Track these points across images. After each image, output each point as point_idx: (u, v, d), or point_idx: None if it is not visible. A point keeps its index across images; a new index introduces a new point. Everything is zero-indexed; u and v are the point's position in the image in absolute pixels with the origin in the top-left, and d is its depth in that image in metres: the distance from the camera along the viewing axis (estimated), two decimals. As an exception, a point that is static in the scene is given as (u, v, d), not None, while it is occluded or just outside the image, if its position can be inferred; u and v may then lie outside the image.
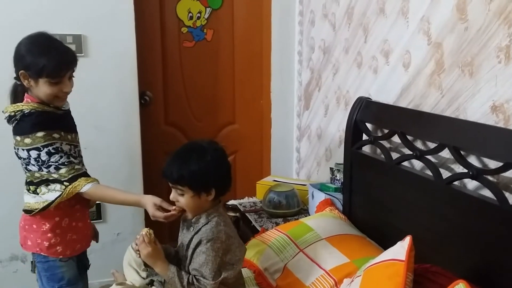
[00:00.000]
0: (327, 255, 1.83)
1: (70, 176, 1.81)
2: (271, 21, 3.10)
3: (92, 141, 2.73)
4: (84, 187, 1.82)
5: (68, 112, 1.96)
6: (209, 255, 1.55)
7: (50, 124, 1.81)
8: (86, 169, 1.94)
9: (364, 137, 2.17)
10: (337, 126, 2.59)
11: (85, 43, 2.66)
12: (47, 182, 1.81)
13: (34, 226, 1.91)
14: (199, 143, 1.67)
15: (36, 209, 1.84)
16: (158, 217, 1.74)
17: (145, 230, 1.62)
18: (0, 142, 2.19)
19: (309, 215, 2.42)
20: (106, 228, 2.86)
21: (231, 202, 2.74)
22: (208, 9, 3.07)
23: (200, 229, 1.60)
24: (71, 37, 2.60)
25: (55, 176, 1.80)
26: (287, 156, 3.22)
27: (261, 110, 3.28)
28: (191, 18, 3.06)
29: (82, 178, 1.83)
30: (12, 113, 1.80)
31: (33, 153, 1.77)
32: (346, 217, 2.20)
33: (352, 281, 1.57)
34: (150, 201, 1.78)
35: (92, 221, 2.80)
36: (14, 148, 1.83)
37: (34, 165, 1.80)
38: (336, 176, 2.43)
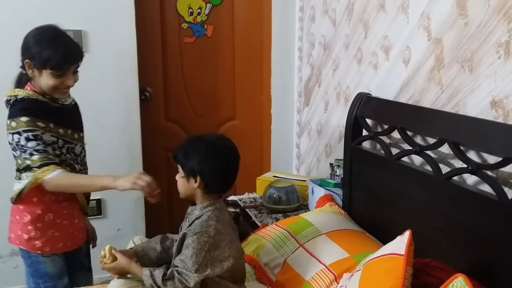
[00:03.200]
0: (327, 250, 1.84)
1: (40, 163, 1.79)
2: (271, 17, 3.10)
3: (93, 137, 2.73)
4: (51, 173, 1.79)
5: (67, 106, 1.95)
6: (195, 248, 1.56)
7: (37, 112, 1.81)
8: (74, 165, 1.93)
9: (364, 132, 2.17)
10: (337, 122, 2.60)
11: (86, 39, 2.67)
12: (25, 169, 1.81)
13: (17, 217, 1.91)
14: (210, 134, 1.72)
15: (13, 197, 1.87)
16: (140, 185, 1.75)
17: (102, 252, 1.67)
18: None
19: (309, 210, 2.43)
20: (106, 224, 2.89)
21: (231, 198, 2.75)
22: (208, 5, 3.07)
23: (193, 221, 1.62)
24: (72, 32, 2.58)
25: (28, 162, 1.80)
26: (287, 152, 3.23)
27: (261, 106, 3.28)
28: (191, 14, 3.06)
29: (53, 165, 1.81)
30: (8, 97, 1.84)
31: (15, 137, 1.78)
32: (346, 213, 2.20)
33: (352, 275, 1.58)
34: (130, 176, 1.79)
35: (92, 217, 2.83)
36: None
37: (16, 150, 1.81)
38: (336, 172, 2.43)
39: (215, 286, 1.64)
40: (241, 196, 2.77)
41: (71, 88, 1.93)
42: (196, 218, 1.62)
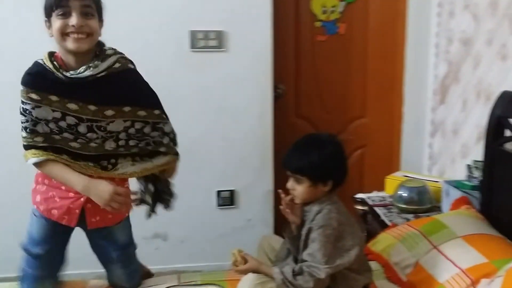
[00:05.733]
0: (463, 254, 1.77)
1: (25, 143, 1.72)
2: (407, 13, 3.03)
3: (229, 131, 2.91)
4: (31, 159, 1.71)
5: (85, 79, 1.67)
6: (321, 241, 1.60)
7: (34, 82, 1.67)
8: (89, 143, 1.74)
9: (508, 133, 2.05)
10: (475, 121, 2.48)
11: (226, 39, 2.82)
12: None
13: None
14: (319, 135, 1.77)
15: None
16: (113, 208, 1.69)
17: (233, 257, 1.75)
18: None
19: (442, 212, 2.35)
20: (237, 214, 3.04)
21: (359, 195, 2.74)
22: (342, 3, 3.08)
23: (314, 217, 1.66)
24: (214, 33, 2.78)
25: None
26: (418, 151, 3.14)
27: (392, 104, 3.23)
28: (325, 12, 3.09)
29: (32, 150, 1.71)
30: None
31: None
32: (484, 217, 2.10)
33: (492, 281, 1.52)
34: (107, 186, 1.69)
35: (224, 207, 2.97)
36: None
37: None
38: (473, 174, 2.32)
39: (344, 280, 1.67)
40: (370, 194, 2.75)
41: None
42: (317, 213, 1.66)
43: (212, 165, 2.95)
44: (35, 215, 1.84)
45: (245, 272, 1.73)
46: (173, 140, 1.94)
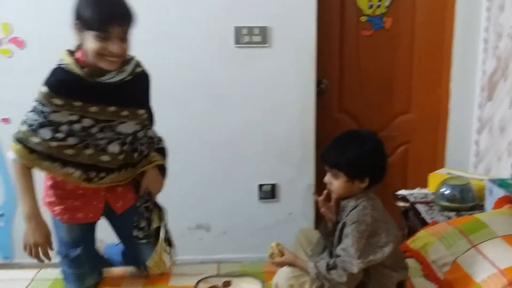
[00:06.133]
0: (502, 254, 1.75)
1: (15, 136, 1.73)
2: (455, 7, 2.97)
3: (271, 126, 2.95)
4: (11, 154, 1.73)
5: (113, 84, 1.73)
6: (354, 236, 1.61)
7: (61, 88, 1.68)
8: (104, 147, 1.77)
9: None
10: (523, 119, 2.41)
11: (270, 35, 2.84)
12: None
13: (44, 179, 1.87)
14: (359, 132, 1.78)
15: None
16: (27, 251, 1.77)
17: (270, 250, 1.79)
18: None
19: (485, 211, 2.31)
20: (279, 207, 3.08)
21: (401, 192, 2.72)
22: (389, -3, 3.06)
23: (349, 213, 1.68)
24: (258, 29, 2.82)
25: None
26: (463, 148, 3.07)
27: (438, 99, 3.17)
28: (371, 7, 3.07)
29: (20, 146, 1.71)
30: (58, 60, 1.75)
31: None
32: (528, 218, 2.05)
33: (529, 282, 1.50)
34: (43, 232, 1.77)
35: (265, 200, 3.01)
36: None
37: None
38: (518, 173, 2.27)
39: (378, 276, 1.69)
40: (412, 191, 2.73)
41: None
42: (352, 209, 1.68)
43: (254, 159, 3.00)
44: (59, 222, 1.89)
45: (281, 264, 1.77)
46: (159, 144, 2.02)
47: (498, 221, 1.97)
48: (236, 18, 2.82)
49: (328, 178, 1.74)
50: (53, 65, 1.74)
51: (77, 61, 1.70)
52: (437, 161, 3.19)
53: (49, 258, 1.83)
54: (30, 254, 1.80)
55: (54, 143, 1.72)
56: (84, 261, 1.93)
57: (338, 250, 1.66)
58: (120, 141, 1.82)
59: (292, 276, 1.70)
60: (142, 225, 1.98)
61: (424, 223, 2.33)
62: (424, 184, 2.79)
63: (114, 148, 1.81)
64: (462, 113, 3.07)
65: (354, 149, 1.67)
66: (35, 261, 1.84)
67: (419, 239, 2.11)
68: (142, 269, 2.03)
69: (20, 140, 1.72)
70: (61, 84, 1.68)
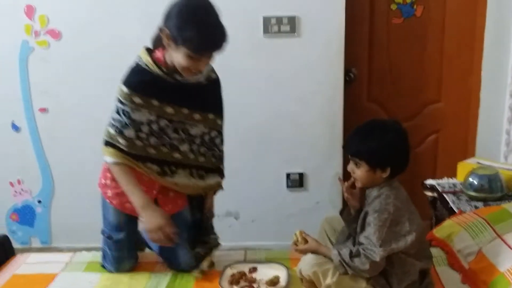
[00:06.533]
0: (527, 244, 1.75)
1: (106, 139, 1.79)
2: (487, -5, 2.93)
3: (299, 115, 2.98)
4: (108, 158, 1.80)
5: (190, 84, 1.82)
6: (376, 225, 1.64)
7: (140, 87, 1.74)
8: (176, 146, 1.84)
9: None
10: (556, 109, 2.37)
11: (298, 24, 2.86)
12: None
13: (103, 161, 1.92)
14: (383, 121, 1.79)
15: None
16: (153, 238, 1.84)
17: (294, 237, 1.83)
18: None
19: (513, 202, 2.29)
20: (306, 196, 3.13)
21: (429, 181, 2.71)
22: (420, -15, 3.02)
23: (372, 202, 1.70)
24: (286, 18, 2.84)
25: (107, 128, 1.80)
26: (494, 138, 3.03)
27: (469, 88, 3.13)
28: (401, -6, 3.05)
29: (111, 149, 1.78)
30: (137, 57, 1.79)
31: (116, 100, 1.78)
32: (557, 208, 2.03)
33: (551, 273, 1.50)
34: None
35: (293, 188, 3.06)
36: None
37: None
38: (548, 163, 2.24)
39: (401, 264, 1.70)
40: (440, 181, 2.71)
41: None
42: (376, 198, 1.70)
43: (283, 148, 3.05)
44: (109, 204, 1.96)
45: (304, 251, 1.81)
46: (223, 159, 2.07)
47: (525, 212, 1.96)
48: (264, 8, 2.85)
49: (350, 167, 1.76)
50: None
51: (157, 60, 1.76)
52: (468, 151, 3.16)
53: (176, 238, 1.89)
54: (159, 239, 1.86)
55: (139, 143, 1.79)
56: (124, 245, 2.01)
57: (361, 238, 1.69)
58: (189, 142, 1.89)
59: (315, 263, 1.73)
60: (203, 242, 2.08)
61: (451, 213, 2.33)
62: (453, 174, 2.77)
63: (183, 147, 1.88)
64: (493, 103, 3.02)
65: (375, 138, 1.68)
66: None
67: (445, 228, 2.12)
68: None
69: (111, 143, 1.79)
70: (141, 83, 1.75)
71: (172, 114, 1.81)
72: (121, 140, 1.78)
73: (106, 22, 2.87)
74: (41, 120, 3.02)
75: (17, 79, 2.97)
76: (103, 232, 2.03)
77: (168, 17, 1.69)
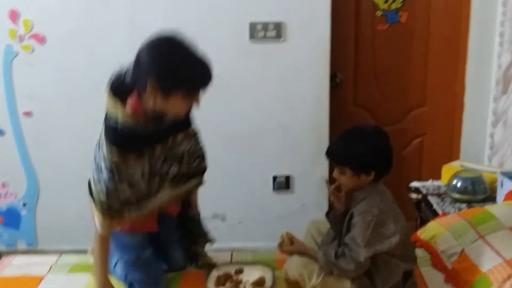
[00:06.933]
0: (508, 245, 1.78)
1: (97, 206, 1.68)
2: (471, 1, 2.96)
3: (286, 119, 3.00)
4: (97, 223, 1.71)
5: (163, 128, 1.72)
6: (361, 226, 1.67)
7: (128, 144, 1.65)
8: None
9: None
10: (537, 112, 2.41)
11: (284, 29, 2.88)
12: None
13: None
14: (363, 127, 1.81)
15: None
16: None
17: (280, 239, 1.85)
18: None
19: (496, 203, 2.33)
20: (292, 198, 3.14)
21: (414, 184, 2.75)
22: (404, -8, 3.07)
23: (358, 204, 1.72)
24: (272, 24, 2.86)
25: (95, 189, 1.68)
26: (478, 141, 3.08)
27: (454, 93, 3.17)
28: (386, 1, 3.08)
29: (107, 219, 1.69)
30: (109, 113, 1.65)
31: (100, 160, 1.66)
32: (537, 210, 2.07)
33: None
34: None
35: (279, 190, 3.08)
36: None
37: (96, 167, 1.69)
38: (530, 166, 2.28)
39: (385, 265, 1.72)
40: (425, 183, 2.75)
41: None
42: (361, 200, 1.72)
43: (269, 152, 3.06)
44: (121, 233, 1.85)
45: (290, 253, 1.83)
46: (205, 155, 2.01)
47: (507, 213, 2.00)
48: (250, 14, 2.87)
49: (335, 173, 1.79)
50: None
51: (134, 112, 1.61)
52: (452, 154, 3.20)
53: None
54: None
55: (133, 198, 1.71)
56: (153, 264, 1.93)
57: (346, 239, 1.71)
58: (178, 161, 1.81)
59: (301, 264, 1.75)
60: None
61: (435, 215, 2.37)
62: (438, 176, 2.81)
63: (173, 170, 1.79)
64: (477, 107, 3.07)
65: (357, 144, 1.72)
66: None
67: (429, 230, 2.15)
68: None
69: (105, 212, 1.69)
70: (128, 142, 1.64)
71: (161, 150, 1.74)
72: (111, 203, 1.67)
73: (91, 26, 2.87)
74: (26, 124, 3.01)
75: (1, 83, 2.96)
76: (125, 263, 1.90)
77: (146, 69, 1.54)
